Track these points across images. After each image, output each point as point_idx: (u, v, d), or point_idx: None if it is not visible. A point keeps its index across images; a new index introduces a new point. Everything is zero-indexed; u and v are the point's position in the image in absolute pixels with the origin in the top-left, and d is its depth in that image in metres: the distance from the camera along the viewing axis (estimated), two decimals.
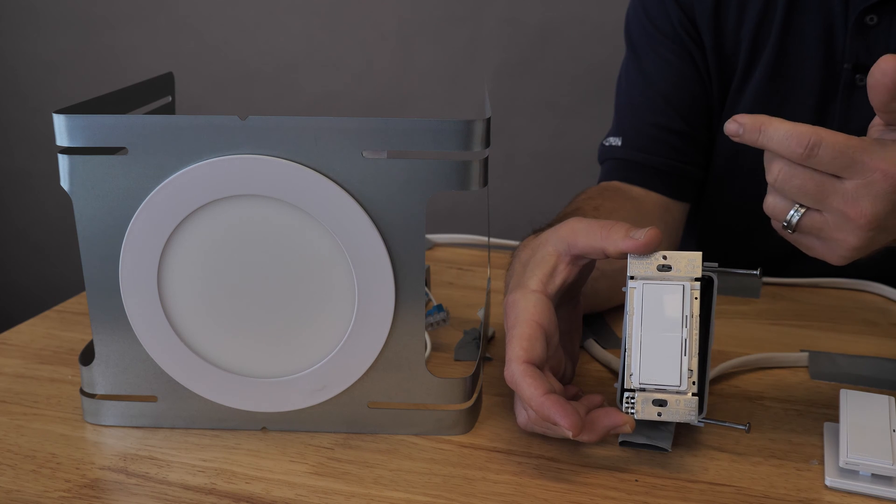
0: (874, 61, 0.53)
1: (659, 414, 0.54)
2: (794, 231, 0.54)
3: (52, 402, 0.64)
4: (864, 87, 0.84)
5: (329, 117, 0.53)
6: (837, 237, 0.53)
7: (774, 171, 0.53)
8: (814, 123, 0.54)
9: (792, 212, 0.53)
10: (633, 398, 0.54)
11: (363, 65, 1.91)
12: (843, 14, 0.83)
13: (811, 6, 0.85)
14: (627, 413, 0.54)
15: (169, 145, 0.54)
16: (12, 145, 2.21)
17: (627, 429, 0.54)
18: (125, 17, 2.01)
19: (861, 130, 0.91)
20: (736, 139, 0.53)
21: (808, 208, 0.53)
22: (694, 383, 0.53)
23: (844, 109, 0.86)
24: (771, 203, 0.54)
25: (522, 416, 0.57)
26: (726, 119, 0.91)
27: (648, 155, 0.90)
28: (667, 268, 0.55)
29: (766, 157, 0.54)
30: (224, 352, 0.58)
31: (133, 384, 0.60)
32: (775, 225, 0.55)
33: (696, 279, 0.54)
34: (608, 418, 0.54)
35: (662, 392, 0.54)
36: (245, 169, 0.54)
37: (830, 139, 0.50)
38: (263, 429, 0.60)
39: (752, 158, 0.92)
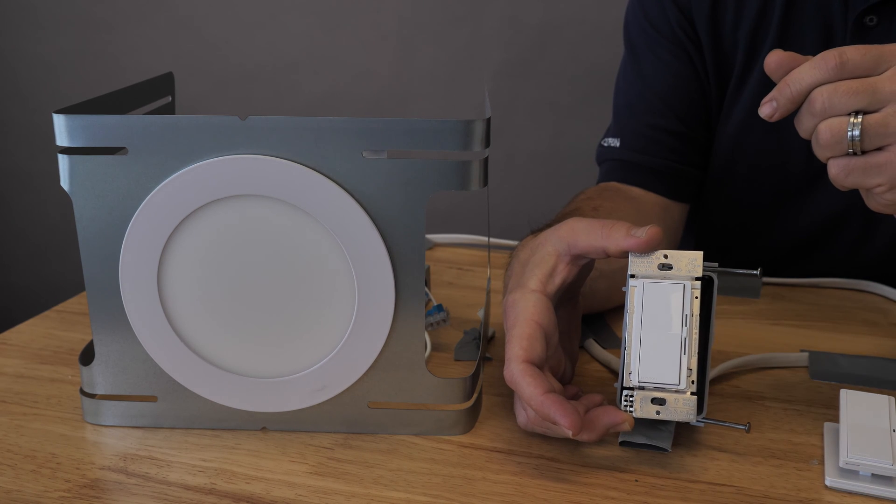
0: None
1: (658, 413, 0.54)
2: (860, 149, 0.54)
3: (52, 402, 0.64)
4: None
5: (329, 117, 0.53)
6: None
7: (818, 99, 0.54)
8: None
9: (850, 124, 0.53)
10: (631, 396, 0.54)
11: (363, 65, 1.91)
12: (842, 15, 0.83)
13: (810, 7, 0.84)
14: (626, 411, 0.54)
15: (169, 145, 0.54)
16: (12, 145, 2.21)
17: (626, 427, 0.54)
18: (125, 18, 2.01)
19: None
20: (775, 115, 0.56)
21: (864, 113, 0.53)
22: (693, 382, 0.53)
23: None
24: (825, 132, 0.54)
25: (522, 415, 0.57)
26: (724, 120, 0.92)
27: (647, 156, 0.90)
28: (668, 267, 0.55)
29: (803, 109, 0.55)
30: (224, 352, 0.58)
31: (133, 384, 0.60)
32: (836, 166, 0.55)
33: (697, 278, 0.54)
34: (607, 417, 0.54)
35: (661, 391, 0.54)
36: (245, 169, 0.54)
37: (850, 48, 0.54)
38: (263, 429, 0.60)
39: (749, 158, 0.93)
